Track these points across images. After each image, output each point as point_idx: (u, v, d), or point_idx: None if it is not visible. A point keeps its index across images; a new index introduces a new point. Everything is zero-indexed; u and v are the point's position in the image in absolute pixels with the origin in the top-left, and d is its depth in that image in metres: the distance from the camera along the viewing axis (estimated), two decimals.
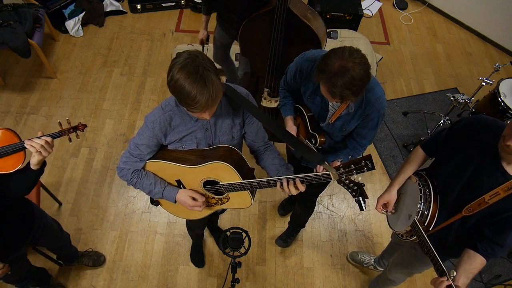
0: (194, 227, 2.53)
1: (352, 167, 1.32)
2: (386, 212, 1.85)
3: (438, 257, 1.54)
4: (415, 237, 1.70)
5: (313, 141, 1.96)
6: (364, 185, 1.48)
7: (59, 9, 3.96)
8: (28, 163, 1.57)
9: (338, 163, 1.60)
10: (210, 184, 1.69)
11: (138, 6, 4.22)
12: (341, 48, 1.50)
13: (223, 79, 3.56)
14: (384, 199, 1.82)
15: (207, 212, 1.88)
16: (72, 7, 4.03)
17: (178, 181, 1.74)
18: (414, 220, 1.67)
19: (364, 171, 1.32)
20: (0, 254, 1.82)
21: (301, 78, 1.87)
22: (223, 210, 2.45)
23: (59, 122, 1.60)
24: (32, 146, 1.49)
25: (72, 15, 4.00)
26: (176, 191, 1.70)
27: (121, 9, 4.26)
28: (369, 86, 1.67)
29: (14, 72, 3.71)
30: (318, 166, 1.69)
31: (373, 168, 1.30)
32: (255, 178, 1.58)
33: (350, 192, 1.51)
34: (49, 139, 1.53)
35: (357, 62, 1.46)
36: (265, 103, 2.69)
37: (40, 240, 2.08)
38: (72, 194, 3.01)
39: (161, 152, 1.69)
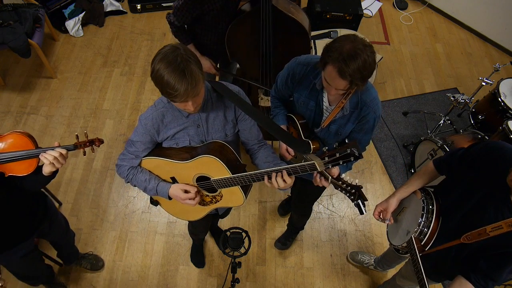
0: (197, 232, 2.54)
1: (337, 155, 1.27)
2: (383, 220, 1.82)
3: (425, 281, 1.53)
4: (409, 254, 1.67)
5: None
6: (362, 187, 1.43)
7: (59, 9, 3.96)
8: (41, 167, 1.58)
9: (337, 172, 1.58)
10: (203, 181, 1.70)
11: (138, 6, 4.23)
12: (348, 34, 1.50)
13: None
14: (381, 206, 1.80)
15: (203, 212, 1.88)
16: (72, 7, 4.03)
17: (173, 178, 1.75)
18: (411, 237, 1.65)
19: (350, 160, 1.26)
20: (9, 240, 1.86)
21: (293, 83, 1.84)
22: (224, 214, 2.45)
23: (76, 135, 1.59)
24: (46, 158, 1.50)
25: (72, 15, 4.00)
26: (168, 186, 1.72)
27: (121, 9, 4.26)
28: (365, 87, 1.64)
29: (14, 72, 3.71)
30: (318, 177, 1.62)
31: (360, 156, 1.25)
32: None
33: (348, 196, 1.45)
34: (63, 151, 1.53)
35: (367, 45, 1.46)
36: (262, 103, 2.69)
37: (48, 234, 2.12)
38: (72, 194, 3.01)
39: (156, 149, 1.73)
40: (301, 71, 1.79)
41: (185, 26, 2.42)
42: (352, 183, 1.44)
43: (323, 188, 1.68)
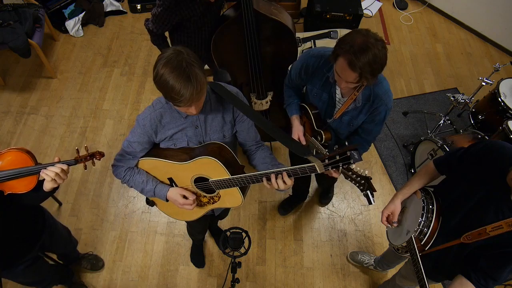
0: (194, 233, 2.54)
1: (337, 158, 1.29)
2: (391, 225, 1.79)
3: (426, 280, 1.52)
4: (409, 254, 1.67)
5: (319, 138, 1.97)
6: (371, 178, 1.46)
7: (59, 9, 3.96)
8: (41, 182, 1.54)
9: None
10: (201, 182, 1.70)
11: (138, 6, 4.23)
12: (360, 29, 1.53)
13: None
14: (388, 210, 1.77)
15: (200, 212, 1.88)
16: (72, 7, 4.03)
17: (170, 179, 1.75)
18: (411, 237, 1.64)
19: (350, 163, 1.28)
20: (11, 256, 1.82)
21: (306, 75, 1.87)
22: (222, 216, 2.45)
23: (77, 149, 1.56)
24: (47, 174, 1.46)
25: (72, 15, 4.00)
26: (167, 189, 1.72)
27: (121, 9, 4.26)
28: (377, 80, 1.66)
29: (14, 72, 3.71)
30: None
31: (359, 159, 1.27)
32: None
33: (358, 187, 1.48)
34: (64, 166, 1.49)
35: (379, 40, 1.48)
36: (256, 107, 2.69)
37: (49, 246, 2.08)
38: (72, 194, 3.01)
39: (154, 150, 1.71)
40: (315, 63, 1.81)
41: (164, 33, 2.39)
42: (362, 174, 1.45)
43: None
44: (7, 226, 1.72)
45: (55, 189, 1.58)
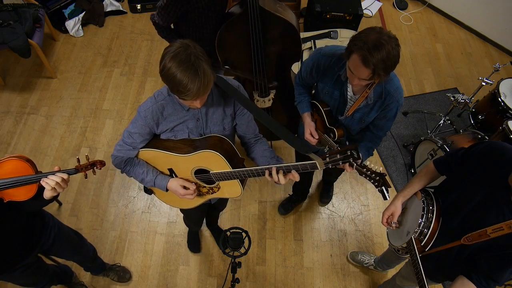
0: (191, 224, 2.57)
1: (338, 156, 1.33)
2: (392, 226, 1.78)
3: (425, 281, 1.53)
4: (409, 255, 1.67)
5: (332, 135, 1.99)
6: (386, 175, 1.49)
7: (59, 9, 3.96)
8: (41, 190, 1.54)
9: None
10: (201, 173, 1.70)
11: (138, 6, 4.23)
12: (374, 26, 1.55)
13: None
14: (389, 211, 1.77)
15: (198, 201, 1.90)
16: (72, 7, 4.03)
17: (170, 170, 1.76)
18: (411, 238, 1.64)
19: (350, 161, 1.32)
20: (9, 261, 1.81)
21: (318, 74, 1.88)
22: (220, 206, 2.45)
23: (78, 158, 1.56)
24: (47, 183, 1.46)
25: (72, 15, 4.00)
26: (167, 180, 1.72)
27: (121, 9, 4.26)
28: (388, 77, 1.67)
29: (14, 72, 3.71)
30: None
31: (359, 158, 1.31)
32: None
33: (372, 183, 1.52)
34: (65, 176, 1.48)
35: (392, 37, 1.51)
36: (258, 105, 2.70)
37: (51, 250, 2.05)
38: (72, 194, 3.01)
39: (154, 141, 1.72)
40: (326, 62, 1.82)
41: (171, 25, 2.39)
42: (376, 171, 1.47)
43: None
44: (5, 231, 1.70)
45: (55, 197, 1.57)
